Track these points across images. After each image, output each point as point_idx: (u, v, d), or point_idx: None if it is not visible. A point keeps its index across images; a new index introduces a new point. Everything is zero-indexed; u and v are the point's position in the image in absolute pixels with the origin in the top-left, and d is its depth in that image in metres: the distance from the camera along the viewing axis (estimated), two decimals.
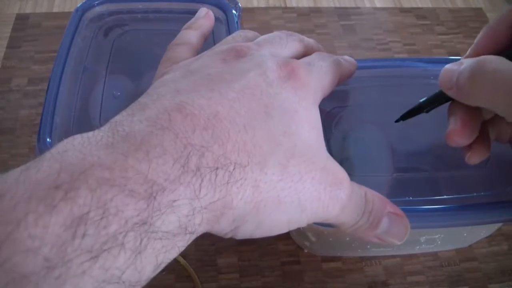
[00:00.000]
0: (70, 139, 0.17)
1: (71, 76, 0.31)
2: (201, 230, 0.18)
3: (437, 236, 0.32)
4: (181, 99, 0.19)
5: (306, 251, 0.36)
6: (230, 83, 0.20)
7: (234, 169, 0.18)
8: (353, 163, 0.28)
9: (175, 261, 0.36)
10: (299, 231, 0.33)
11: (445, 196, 0.27)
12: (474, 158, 0.24)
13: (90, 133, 0.17)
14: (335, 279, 0.35)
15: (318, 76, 0.23)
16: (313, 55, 0.25)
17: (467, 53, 0.24)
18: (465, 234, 0.34)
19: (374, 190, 0.23)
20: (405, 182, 0.28)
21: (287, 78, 0.22)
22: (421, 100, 0.25)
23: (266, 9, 0.55)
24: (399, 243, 0.23)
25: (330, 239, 0.33)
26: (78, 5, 0.36)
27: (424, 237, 0.32)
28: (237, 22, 0.35)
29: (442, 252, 0.37)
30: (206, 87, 0.20)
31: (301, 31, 0.54)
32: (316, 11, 0.55)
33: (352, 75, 0.28)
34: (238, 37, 0.26)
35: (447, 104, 0.24)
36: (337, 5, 0.56)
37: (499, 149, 0.23)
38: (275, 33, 0.26)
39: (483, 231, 0.34)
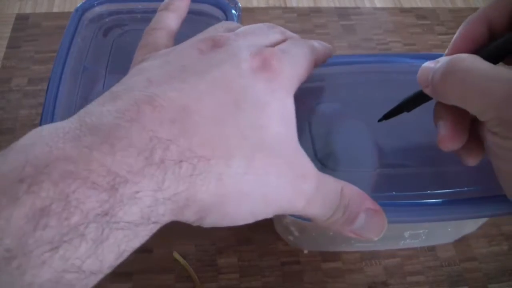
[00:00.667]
0: (39, 129, 0.17)
1: (71, 76, 0.31)
2: (165, 220, 0.18)
3: (421, 231, 0.32)
4: (153, 91, 0.19)
5: (290, 245, 0.36)
6: (202, 75, 0.20)
7: (198, 162, 0.18)
8: (338, 158, 0.28)
9: (175, 261, 0.36)
10: (283, 225, 0.33)
11: (429, 191, 0.26)
12: (471, 160, 0.24)
13: (59, 124, 0.18)
14: (335, 279, 0.35)
15: (293, 63, 0.23)
16: (287, 42, 0.24)
17: (446, 51, 0.24)
18: (449, 229, 0.34)
19: (357, 185, 0.23)
20: (390, 177, 0.27)
21: (260, 69, 0.22)
22: (403, 99, 0.25)
23: (266, 9, 0.55)
24: (376, 238, 0.23)
25: (313, 234, 0.32)
26: (78, 5, 0.36)
27: (408, 232, 0.32)
28: (236, 22, 0.35)
29: (442, 252, 0.37)
30: (178, 79, 0.20)
31: (301, 31, 0.54)
32: (316, 11, 0.55)
33: (328, 58, 0.27)
34: (219, 28, 0.25)
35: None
36: (337, 5, 0.56)
37: None
38: (258, 24, 0.25)
39: (468, 226, 0.34)
